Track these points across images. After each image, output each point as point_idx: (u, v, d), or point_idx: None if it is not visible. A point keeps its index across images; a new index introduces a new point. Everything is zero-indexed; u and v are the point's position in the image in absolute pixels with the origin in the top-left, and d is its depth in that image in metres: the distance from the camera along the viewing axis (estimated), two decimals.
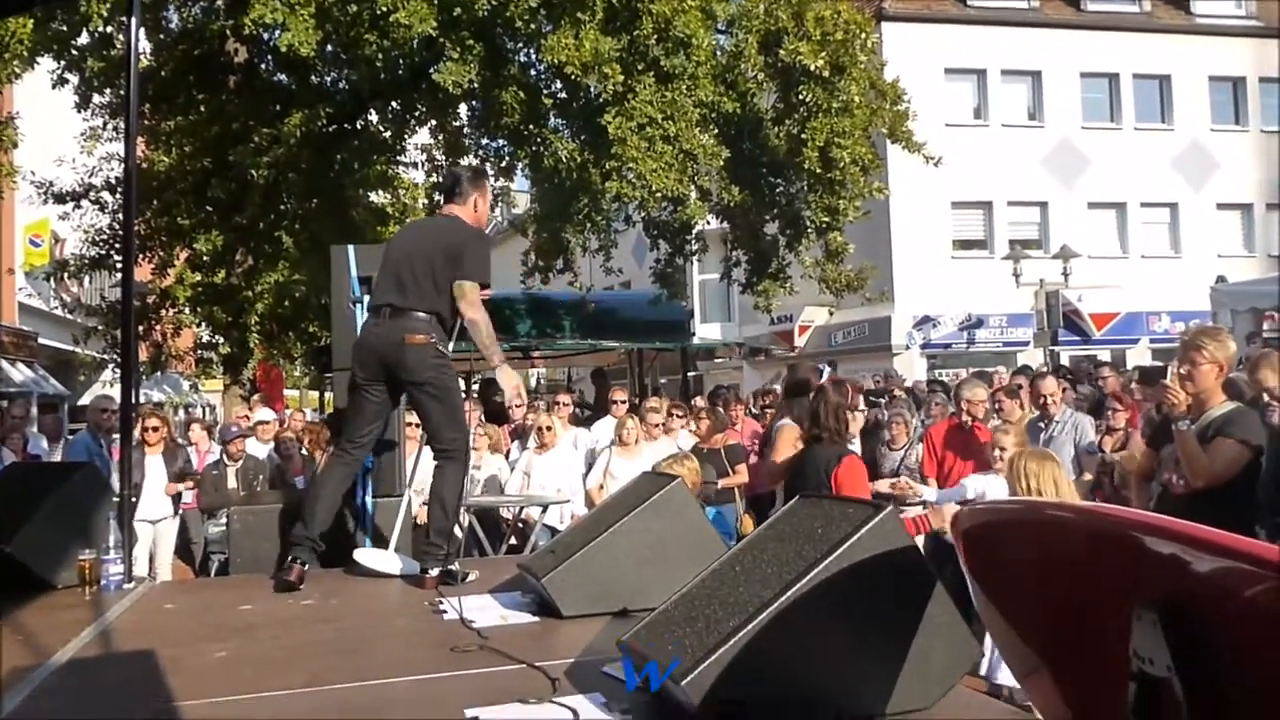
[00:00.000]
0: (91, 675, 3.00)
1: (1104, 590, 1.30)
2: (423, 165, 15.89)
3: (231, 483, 8.47)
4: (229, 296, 13.81)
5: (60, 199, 14.20)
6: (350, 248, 5.37)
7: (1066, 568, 1.38)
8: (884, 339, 22.97)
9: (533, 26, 10.71)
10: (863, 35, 11.58)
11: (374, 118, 13.55)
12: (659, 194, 10.50)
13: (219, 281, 13.60)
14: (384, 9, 9.82)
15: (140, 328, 13.50)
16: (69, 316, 18.92)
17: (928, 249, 22.72)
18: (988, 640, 2.86)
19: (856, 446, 7.11)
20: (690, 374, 19.77)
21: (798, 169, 11.63)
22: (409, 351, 4.10)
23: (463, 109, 13.18)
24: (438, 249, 4.22)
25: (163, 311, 14.29)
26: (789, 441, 5.34)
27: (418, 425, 6.39)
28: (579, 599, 3.35)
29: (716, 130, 11.27)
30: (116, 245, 13.43)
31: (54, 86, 12.67)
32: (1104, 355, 19.05)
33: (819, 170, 11.22)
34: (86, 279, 15.77)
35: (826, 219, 11.91)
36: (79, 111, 13.28)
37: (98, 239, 14.23)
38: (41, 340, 22.85)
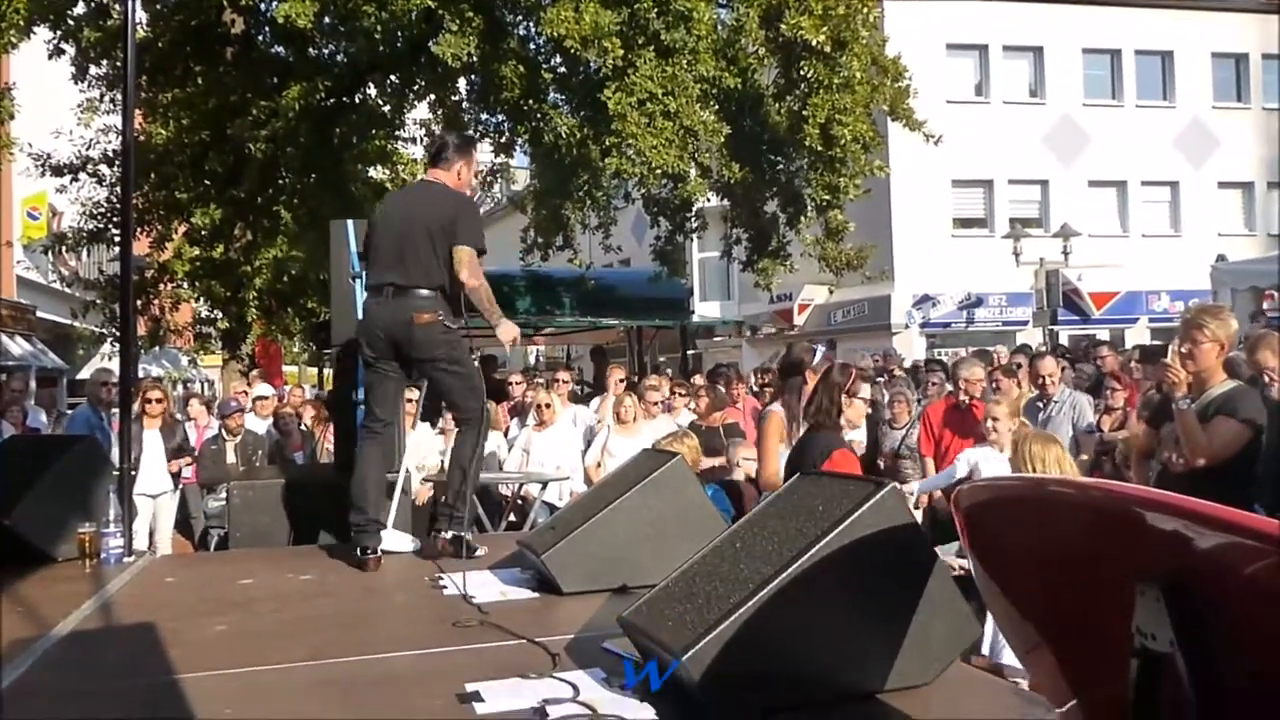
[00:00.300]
0: (92, 648, 3.01)
1: (1106, 567, 1.29)
2: (421, 140, 15.80)
3: (230, 458, 8.47)
4: (227, 271, 13.78)
5: (58, 171, 14.13)
6: (349, 223, 5.34)
7: (1068, 544, 1.37)
8: (883, 318, 22.96)
9: None
10: (865, 10, 11.48)
11: (372, 91, 13.46)
12: (659, 170, 10.44)
13: (217, 256, 13.56)
14: None
15: (139, 302, 13.47)
16: (67, 290, 18.91)
17: (928, 227, 22.67)
18: (989, 619, 2.87)
19: (861, 434, 7.12)
20: (690, 352, 19.75)
21: (798, 146, 11.56)
22: (418, 331, 4.10)
23: (462, 83, 13.10)
24: (433, 221, 4.17)
25: (161, 286, 14.25)
26: (774, 437, 5.25)
27: (415, 401, 6.42)
28: (579, 575, 3.36)
29: (717, 106, 11.20)
30: (114, 219, 13.38)
31: (50, 57, 12.57)
32: (1103, 334, 19.06)
33: (820, 148, 11.16)
34: (85, 252, 15.74)
35: (827, 197, 11.85)
36: (76, 83, 13.19)
37: (95, 212, 14.16)
38: (40, 314, 22.81)
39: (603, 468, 7.25)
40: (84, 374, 18.02)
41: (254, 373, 14.05)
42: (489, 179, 15.27)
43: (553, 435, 7.65)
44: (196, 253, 13.51)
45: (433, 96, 13.58)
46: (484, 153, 15.59)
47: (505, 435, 8.14)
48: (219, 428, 8.97)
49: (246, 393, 10.67)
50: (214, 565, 5.21)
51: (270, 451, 8.65)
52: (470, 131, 14.11)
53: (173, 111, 13.46)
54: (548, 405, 7.73)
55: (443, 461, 7.97)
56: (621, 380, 9.17)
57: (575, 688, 2.31)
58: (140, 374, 14.34)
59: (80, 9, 11.72)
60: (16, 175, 18.29)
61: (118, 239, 6.50)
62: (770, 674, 2.13)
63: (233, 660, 2.72)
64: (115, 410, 6.88)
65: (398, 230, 4.23)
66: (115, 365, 6.75)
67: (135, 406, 7.95)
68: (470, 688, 2.33)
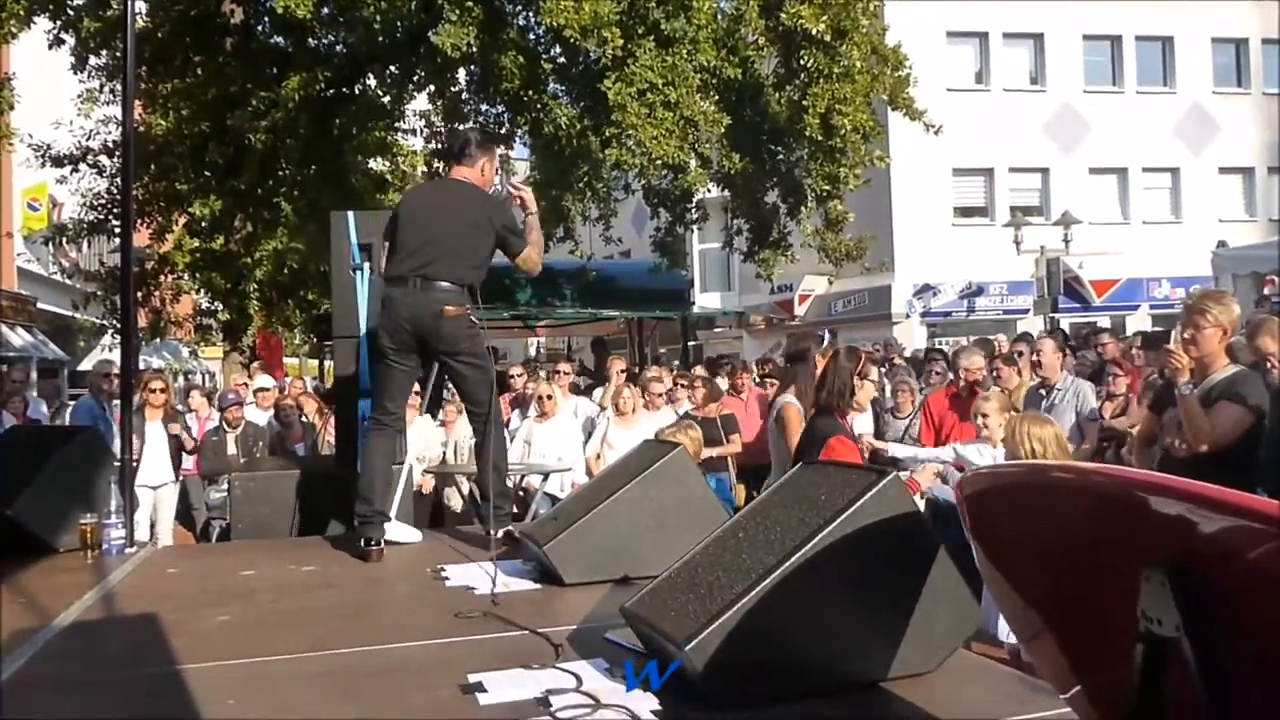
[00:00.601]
0: (93, 638, 3.01)
1: (1109, 552, 1.29)
2: (421, 132, 15.78)
3: (231, 449, 8.47)
4: (228, 262, 13.76)
5: (58, 162, 14.12)
6: (350, 214, 5.32)
7: (1071, 530, 1.37)
8: (884, 308, 22.94)
9: None
10: None
11: (372, 82, 13.44)
12: (659, 161, 10.42)
13: (217, 247, 13.55)
14: None
15: (139, 293, 13.46)
16: (68, 281, 18.87)
17: (928, 216, 22.63)
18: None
19: (867, 417, 7.12)
20: (690, 343, 19.76)
21: (799, 136, 11.54)
22: (446, 324, 4.10)
23: (461, 74, 13.07)
24: (464, 218, 4.21)
25: (162, 277, 14.25)
26: (796, 427, 5.28)
27: (415, 392, 6.41)
28: (580, 566, 3.36)
29: (717, 96, 11.18)
30: (115, 210, 13.37)
31: (50, 47, 12.55)
32: (1104, 322, 19.04)
33: (820, 137, 11.14)
34: (85, 243, 15.72)
35: (827, 187, 11.84)
36: (75, 73, 13.17)
37: (96, 203, 14.16)
38: (40, 305, 22.81)
39: (602, 459, 7.25)
40: (85, 365, 18.03)
41: (255, 364, 14.06)
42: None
43: (554, 426, 7.64)
44: (197, 244, 13.49)
45: (432, 87, 13.56)
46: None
47: (507, 426, 8.13)
48: (219, 419, 8.98)
49: (247, 385, 10.68)
50: (216, 556, 5.21)
51: (271, 443, 8.65)
52: (471, 123, 14.10)
53: (172, 102, 13.44)
54: (549, 397, 7.72)
55: (444, 453, 8.00)
56: (622, 371, 9.17)
57: (578, 678, 2.31)
58: (141, 366, 14.35)
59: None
60: (17, 166, 18.28)
61: (118, 230, 6.49)
62: (773, 663, 2.13)
63: (235, 651, 2.72)
64: (117, 401, 6.88)
65: (426, 224, 4.23)
66: (117, 356, 6.75)
67: (137, 398, 7.96)
68: (473, 678, 2.33)
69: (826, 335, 6.09)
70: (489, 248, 4.27)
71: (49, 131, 14.30)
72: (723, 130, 10.95)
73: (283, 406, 9.11)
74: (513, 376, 9.38)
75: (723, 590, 2.21)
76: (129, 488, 4.74)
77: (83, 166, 14.16)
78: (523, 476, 7.40)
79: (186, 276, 14.18)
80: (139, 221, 13.23)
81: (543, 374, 9.81)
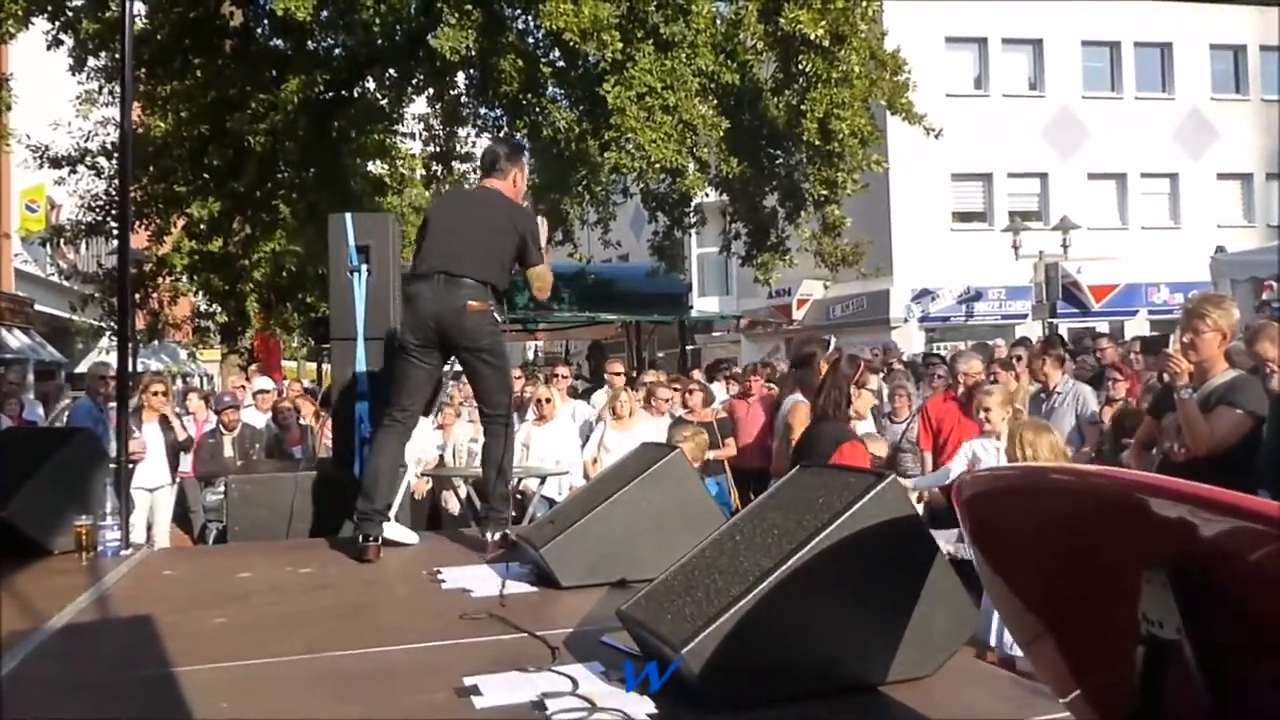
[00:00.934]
0: (88, 640, 3.00)
1: (1109, 554, 1.28)
2: (420, 135, 15.79)
3: (228, 451, 8.45)
4: (226, 264, 13.76)
5: (56, 163, 14.11)
6: (348, 216, 5.31)
7: (1071, 533, 1.36)
8: (883, 312, 22.95)
9: None
10: (863, 3, 11.47)
11: (371, 85, 13.44)
12: (658, 165, 10.42)
13: (216, 250, 13.54)
14: None
15: (137, 295, 13.45)
16: (65, 283, 18.87)
17: (927, 221, 22.65)
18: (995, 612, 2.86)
19: (869, 424, 7.10)
20: (688, 347, 19.76)
21: (797, 140, 11.55)
22: (469, 319, 4.11)
23: (460, 77, 13.08)
24: (493, 224, 4.25)
25: (160, 279, 14.23)
26: (802, 420, 5.28)
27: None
28: (577, 569, 3.35)
29: (716, 101, 11.18)
30: (113, 211, 13.36)
31: (49, 48, 12.55)
32: (1103, 327, 19.04)
33: (818, 142, 11.15)
34: (83, 245, 15.71)
35: (825, 192, 11.85)
36: (74, 74, 13.16)
37: (94, 205, 14.15)
38: (38, 307, 22.77)
39: (599, 463, 7.24)
40: (83, 367, 17.98)
41: (253, 367, 14.04)
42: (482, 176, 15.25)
43: (552, 430, 7.63)
44: (194, 246, 13.48)
45: (431, 90, 13.57)
46: (482, 147, 15.59)
47: None
48: (216, 422, 8.95)
49: (244, 387, 10.64)
50: (212, 558, 5.19)
51: (268, 445, 8.63)
52: (469, 126, 14.11)
53: (171, 104, 13.44)
54: (547, 400, 7.71)
55: (441, 455, 7.99)
56: (619, 374, 9.16)
57: (574, 681, 2.30)
58: (139, 368, 14.34)
59: (79, 0, 11.68)
60: (15, 167, 18.26)
61: (116, 232, 6.48)
62: (771, 666, 2.12)
63: (230, 653, 2.71)
64: (114, 404, 6.86)
65: (453, 225, 4.28)
66: (111, 358, 6.74)
67: (135, 400, 7.94)
68: (469, 681, 2.32)
69: (831, 340, 6.07)
70: (513, 252, 4.30)
71: (47, 133, 14.29)
72: (721, 134, 10.96)
73: (280, 409, 9.08)
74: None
75: (720, 593, 2.20)
76: (125, 490, 4.72)
77: (81, 168, 14.15)
78: (520, 479, 7.39)
79: (184, 279, 14.16)
80: (137, 223, 13.23)
81: (541, 377, 9.79)
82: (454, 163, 15.46)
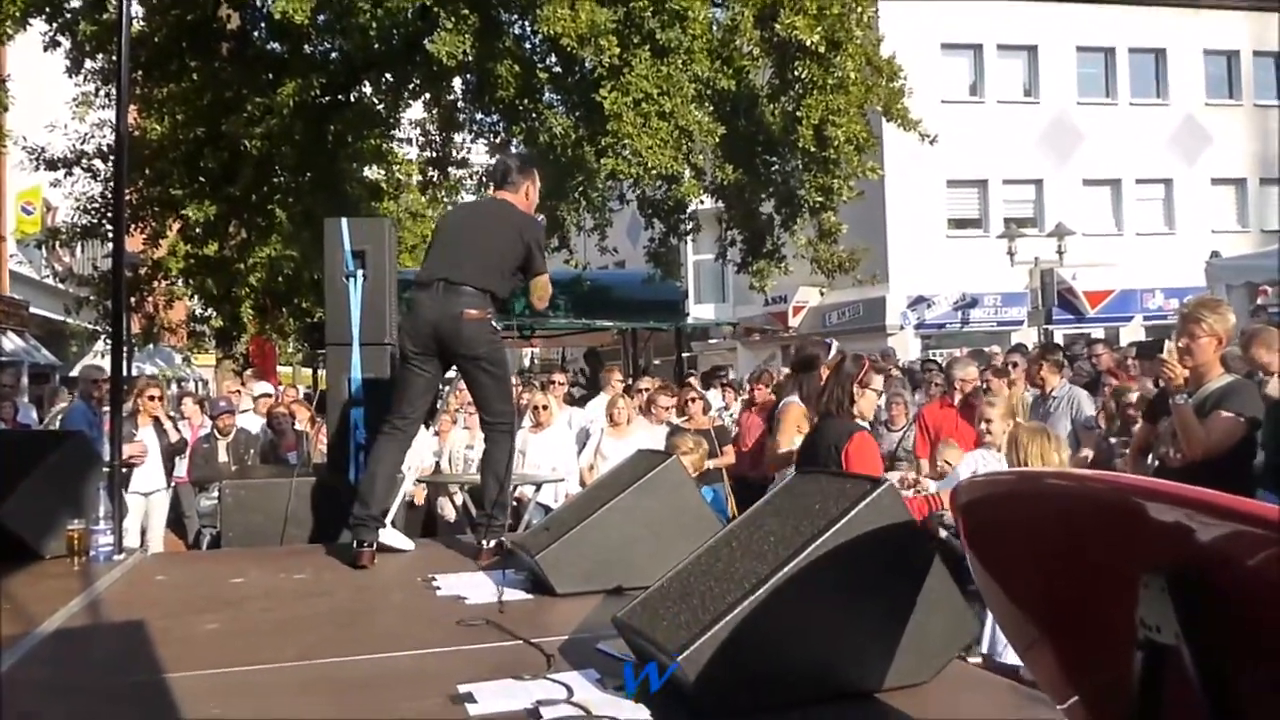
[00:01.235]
0: (79, 644, 2.98)
1: (1107, 559, 1.28)
2: (416, 140, 15.79)
3: (222, 456, 8.42)
4: (221, 269, 13.74)
5: (52, 165, 14.10)
6: (343, 220, 5.30)
7: (1068, 538, 1.36)
8: (879, 319, 22.95)
9: None
10: (859, 10, 11.50)
11: (368, 90, 13.44)
12: (654, 171, 10.43)
13: (211, 253, 13.52)
14: None
15: (132, 299, 13.42)
16: (61, 286, 18.84)
17: (923, 228, 22.67)
18: (988, 617, 2.85)
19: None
20: (685, 354, 19.75)
21: (793, 147, 11.57)
22: (466, 326, 4.10)
23: (457, 82, 13.08)
24: (497, 233, 4.25)
25: (155, 283, 14.20)
26: (792, 424, 5.28)
27: None
28: (573, 576, 3.33)
29: (712, 107, 11.19)
30: (109, 214, 13.34)
31: (46, 49, 12.54)
32: (1098, 333, 19.06)
33: (814, 149, 11.16)
34: (79, 248, 15.68)
35: (821, 198, 11.86)
36: (71, 76, 13.15)
37: (90, 207, 14.13)
38: (33, 309, 22.72)
39: (595, 470, 7.22)
40: (77, 370, 17.93)
41: (248, 372, 14.01)
42: (483, 179, 15.27)
43: (549, 437, 7.62)
44: (190, 249, 13.46)
45: (428, 95, 13.57)
46: (479, 153, 15.61)
47: None
48: (211, 426, 8.92)
49: (240, 392, 10.62)
50: (206, 564, 5.17)
51: (263, 450, 8.60)
52: (466, 131, 14.10)
53: (168, 107, 13.43)
54: (544, 407, 7.70)
55: (437, 462, 7.97)
56: (619, 381, 9.14)
57: (569, 689, 2.28)
58: (134, 372, 14.29)
59: (76, 2, 11.67)
60: (10, 169, 18.23)
61: (112, 234, 6.46)
62: (767, 674, 2.10)
63: (222, 659, 2.69)
64: (108, 407, 6.83)
65: (461, 233, 4.30)
66: (105, 362, 6.71)
67: (130, 404, 7.91)
68: (463, 689, 2.30)
69: (832, 343, 6.07)
70: (516, 261, 4.28)
71: (44, 135, 14.27)
72: (717, 140, 10.96)
73: (275, 414, 9.05)
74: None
75: (716, 600, 2.19)
76: (118, 493, 4.69)
77: (77, 170, 14.13)
78: (516, 487, 7.37)
79: (180, 282, 14.13)
80: (133, 226, 13.21)
81: (538, 384, 9.78)
82: (450, 168, 15.47)
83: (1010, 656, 4.14)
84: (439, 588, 3.58)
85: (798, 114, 11.09)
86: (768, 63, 11.80)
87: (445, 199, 16.00)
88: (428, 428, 7.99)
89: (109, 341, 12.82)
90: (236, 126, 11.43)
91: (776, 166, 12.54)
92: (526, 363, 26.93)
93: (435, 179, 15.63)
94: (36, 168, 14.33)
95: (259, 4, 12.19)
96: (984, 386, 6.99)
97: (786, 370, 10.79)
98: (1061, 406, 6.47)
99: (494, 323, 4.21)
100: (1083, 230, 21.54)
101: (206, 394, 17.13)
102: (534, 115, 11.57)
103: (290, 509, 5.04)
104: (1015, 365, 7.79)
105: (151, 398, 8.26)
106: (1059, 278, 20.93)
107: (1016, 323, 22.49)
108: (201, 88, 12.73)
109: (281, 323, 15.71)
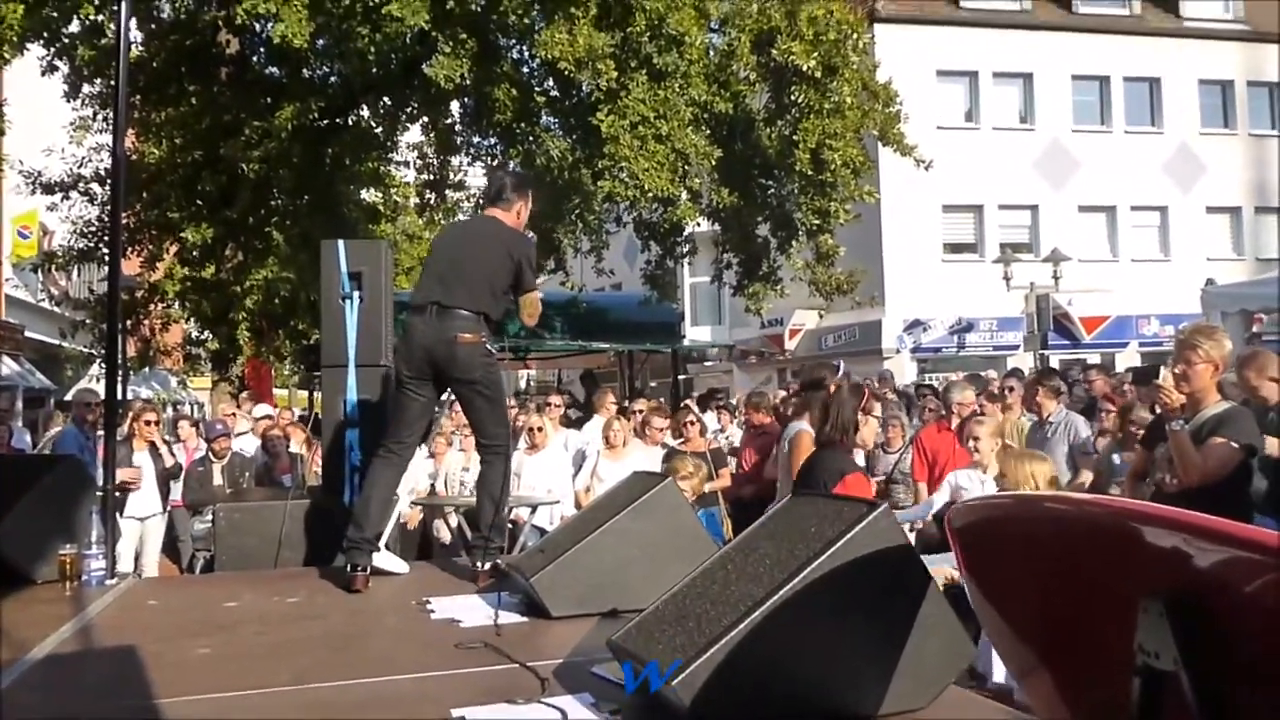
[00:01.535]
0: (71, 670, 2.96)
1: (1104, 584, 1.27)
2: (414, 163, 15.84)
3: (218, 479, 8.39)
4: (218, 291, 13.74)
5: (49, 189, 14.11)
6: (340, 242, 5.30)
7: (1065, 562, 1.35)
8: (874, 342, 22.98)
9: (525, 21, 10.67)
10: (855, 36, 11.58)
11: (366, 113, 13.49)
12: (651, 194, 10.47)
13: (208, 276, 13.52)
14: (376, 1, 9.76)
15: (128, 322, 13.40)
16: (56, 309, 18.84)
17: (918, 252, 22.74)
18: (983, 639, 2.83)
19: (859, 457, 7.08)
20: (680, 376, 19.75)
21: (789, 170, 11.62)
22: (460, 350, 4.09)
23: (454, 106, 13.14)
24: (488, 253, 4.24)
25: (151, 306, 14.19)
26: (804, 454, 5.27)
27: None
28: (568, 599, 3.31)
29: (708, 131, 11.25)
30: (105, 237, 13.35)
31: (43, 74, 12.58)
32: (1094, 359, 19.08)
33: (810, 172, 11.21)
34: (75, 271, 15.68)
35: (817, 221, 11.90)
36: (68, 101, 13.18)
37: (86, 231, 14.13)
38: (28, 333, 22.69)
39: (592, 492, 7.20)
40: (72, 395, 17.88)
41: (244, 394, 13.98)
42: (480, 201, 15.30)
43: (544, 459, 7.60)
44: (186, 273, 13.46)
45: (425, 119, 13.63)
46: (476, 175, 15.66)
47: None
48: (206, 450, 8.90)
49: (235, 415, 10.59)
50: (198, 587, 5.14)
51: (258, 473, 8.57)
52: (463, 154, 14.15)
53: (166, 131, 13.47)
54: (539, 429, 7.69)
55: (432, 484, 7.94)
56: (614, 403, 9.13)
57: (564, 713, 2.27)
58: (129, 395, 14.26)
59: (75, 27, 11.72)
60: (7, 193, 18.25)
61: (108, 258, 6.46)
62: (762, 698, 2.09)
63: (215, 684, 2.67)
64: (101, 431, 6.81)
65: (452, 255, 4.28)
66: (99, 386, 6.69)
67: (125, 428, 7.89)
68: (456, 713, 2.29)
69: (841, 365, 6.08)
70: (508, 279, 4.28)
71: (41, 159, 14.29)
72: (714, 163, 11.01)
73: (270, 436, 9.03)
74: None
75: (711, 623, 2.18)
76: (111, 518, 4.67)
77: (74, 194, 14.14)
78: (511, 509, 7.34)
79: (176, 305, 14.13)
80: (129, 250, 13.22)
81: (533, 406, 9.77)
82: (447, 191, 15.52)
83: (997, 675, 4.13)
84: (433, 611, 3.55)
85: (794, 137, 11.15)
86: (764, 87, 11.88)
87: (442, 221, 16.04)
88: (423, 448, 8.00)
89: (104, 365, 12.82)
90: (235, 150, 11.47)
91: (773, 190, 12.59)
92: (523, 384, 26.91)
93: (433, 201, 15.68)
94: (34, 192, 14.34)
95: (258, 29, 12.24)
96: (980, 411, 7.01)
97: (783, 393, 10.83)
98: (1059, 432, 6.48)
99: (488, 345, 4.20)
100: (1078, 256, 21.60)
101: (202, 417, 17.10)
102: (531, 138, 11.62)
103: (284, 532, 5.02)
104: (1011, 390, 7.80)
105: (148, 422, 8.25)
106: (1055, 303, 20.97)
107: (1012, 347, 22.51)
108: (200, 112, 12.77)
109: (278, 345, 15.69)
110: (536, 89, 11.72)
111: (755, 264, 13.08)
